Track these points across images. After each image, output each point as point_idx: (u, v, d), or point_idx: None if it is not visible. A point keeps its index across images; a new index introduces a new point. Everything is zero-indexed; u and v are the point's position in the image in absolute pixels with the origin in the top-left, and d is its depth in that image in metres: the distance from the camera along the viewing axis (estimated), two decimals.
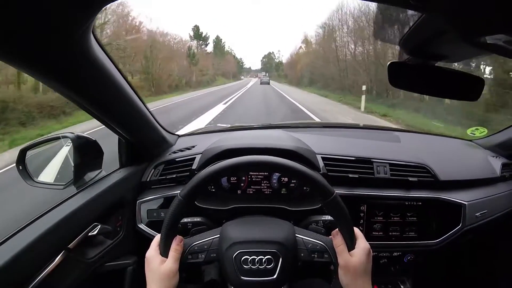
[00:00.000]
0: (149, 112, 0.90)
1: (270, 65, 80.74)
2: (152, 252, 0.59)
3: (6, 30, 0.42)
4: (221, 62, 53.51)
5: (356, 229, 0.59)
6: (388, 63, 0.60)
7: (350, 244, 0.57)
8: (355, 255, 0.56)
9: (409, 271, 1.08)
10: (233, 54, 71.13)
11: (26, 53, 0.48)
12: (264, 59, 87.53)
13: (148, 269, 0.58)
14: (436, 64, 0.62)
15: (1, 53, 0.46)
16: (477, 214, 0.93)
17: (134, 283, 0.87)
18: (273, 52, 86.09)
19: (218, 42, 60.50)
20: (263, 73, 72.76)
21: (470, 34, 0.44)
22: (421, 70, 0.61)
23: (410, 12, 0.53)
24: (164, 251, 0.58)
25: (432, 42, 0.56)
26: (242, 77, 75.36)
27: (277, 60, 79.54)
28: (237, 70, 69.95)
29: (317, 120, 7.70)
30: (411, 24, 0.53)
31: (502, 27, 0.39)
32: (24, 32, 0.43)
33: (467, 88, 0.63)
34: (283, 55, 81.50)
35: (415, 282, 1.09)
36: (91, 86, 0.64)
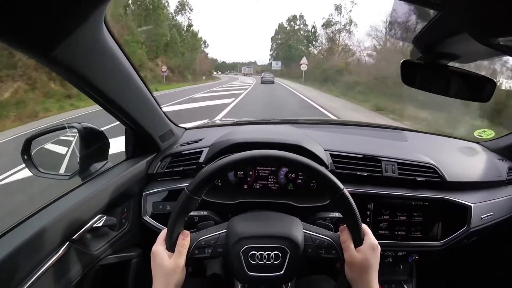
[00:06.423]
0: (157, 104, 0.90)
1: (297, 42, 35.23)
2: (159, 246, 0.58)
3: (17, 17, 0.41)
4: None
5: (364, 226, 0.59)
6: (401, 61, 0.59)
7: (358, 240, 0.57)
8: (361, 251, 0.56)
9: (413, 271, 1.08)
10: None
11: (37, 40, 0.48)
12: (277, 37, 43.32)
13: (154, 264, 0.57)
14: (448, 64, 0.62)
15: (12, 40, 0.46)
16: (482, 216, 0.93)
17: (138, 275, 0.88)
18: (301, 15, 40.19)
19: None
20: (277, 63, 43.03)
21: (486, 34, 0.44)
22: (433, 69, 0.61)
23: (425, 10, 0.52)
24: (170, 246, 0.57)
25: (445, 41, 0.55)
26: (216, 72, 48.84)
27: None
28: None
29: None
30: (425, 23, 0.53)
31: None
32: (35, 17, 0.43)
33: (478, 89, 0.63)
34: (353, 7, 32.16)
35: (419, 282, 1.09)
36: (101, 75, 0.64)
